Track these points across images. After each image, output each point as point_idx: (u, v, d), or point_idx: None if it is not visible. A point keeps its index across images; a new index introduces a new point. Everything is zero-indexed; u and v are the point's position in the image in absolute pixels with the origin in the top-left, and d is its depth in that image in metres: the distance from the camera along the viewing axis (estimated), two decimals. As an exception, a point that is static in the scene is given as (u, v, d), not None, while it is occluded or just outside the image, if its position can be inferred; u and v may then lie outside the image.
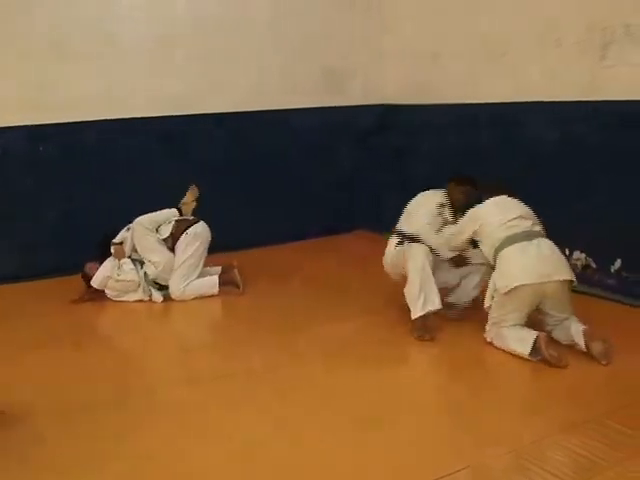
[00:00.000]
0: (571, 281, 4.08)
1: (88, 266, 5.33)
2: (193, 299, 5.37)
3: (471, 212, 4.42)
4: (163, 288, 5.41)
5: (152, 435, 3.28)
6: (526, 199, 5.51)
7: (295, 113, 6.85)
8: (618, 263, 5.00)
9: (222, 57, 6.49)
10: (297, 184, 6.94)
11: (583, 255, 5.26)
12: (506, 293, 4.01)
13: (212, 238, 5.59)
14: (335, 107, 7.09)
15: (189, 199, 5.59)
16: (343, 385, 3.77)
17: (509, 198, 4.40)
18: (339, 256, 5.40)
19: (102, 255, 5.34)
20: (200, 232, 5.44)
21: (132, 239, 5.37)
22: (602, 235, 5.04)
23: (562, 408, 3.39)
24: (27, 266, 5.80)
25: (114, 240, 5.34)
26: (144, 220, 5.37)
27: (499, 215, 4.26)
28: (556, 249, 4.18)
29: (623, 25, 4.73)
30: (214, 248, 5.85)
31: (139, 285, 5.31)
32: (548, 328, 4.16)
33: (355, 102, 7.21)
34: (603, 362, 3.87)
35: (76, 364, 4.18)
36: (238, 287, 5.50)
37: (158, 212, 5.47)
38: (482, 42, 5.90)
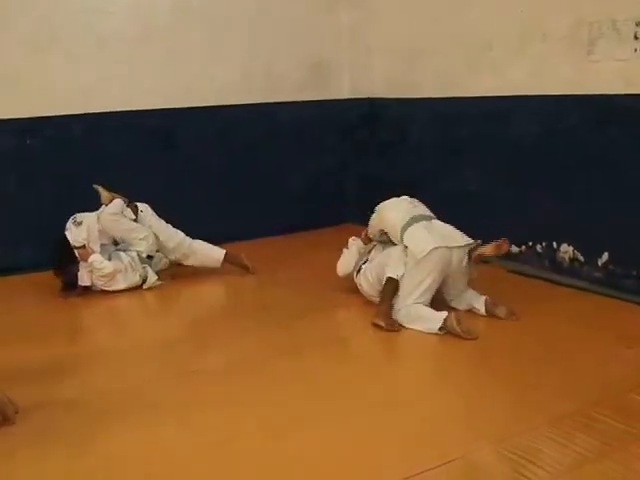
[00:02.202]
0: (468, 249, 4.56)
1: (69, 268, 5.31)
2: (183, 290, 5.54)
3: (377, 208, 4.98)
4: (151, 260, 5.51)
5: (129, 432, 3.25)
6: (512, 193, 5.58)
7: (282, 106, 6.84)
8: (605, 256, 5.03)
9: (208, 50, 6.47)
10: (283, 177, 6.94)
11: (571, 248, 5.29)
12: (423, 257, 4.39)
13: (201, 232, 5.72)
14: (322, 101, 7.09)
15: (106, 192, 5.49)
16: (326, 379, 3.78)
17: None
18: (326, 249, 5.42)
19: (67, 264, 5.27)
20: (146, 206, 5.64)
21: (97, 233, 5.31)
22: (589, 228, 5.07)
23: (548, 400, 3.40)
24: (7, 260, 5.79)
25: (75, 245, 5.22)
26: (110, 210, 5.38)
27: (395, 201, 4.92)
28: (451, 227, 4.67)
29: (610, 20, 4.75)
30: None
31: (125, 269, 5.30)
32: (449, 298, 4.67)
33: (342, 96, 7.21)
34: (513, 318, 4.45)
35: (54, 359, 4.14)
36: (247, 269, 5.75)
37: (110, 205, 5.43)
38: (469, 37, 5.89)
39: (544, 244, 5.50)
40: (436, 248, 4.41)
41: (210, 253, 5.72)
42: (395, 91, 6.80)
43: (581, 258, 5.23)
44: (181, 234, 5.63)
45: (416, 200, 4.95)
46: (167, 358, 4.23)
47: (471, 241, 4.58)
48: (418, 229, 4.57)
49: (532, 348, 4.06)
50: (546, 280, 5.29)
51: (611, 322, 4.44)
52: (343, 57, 7.15)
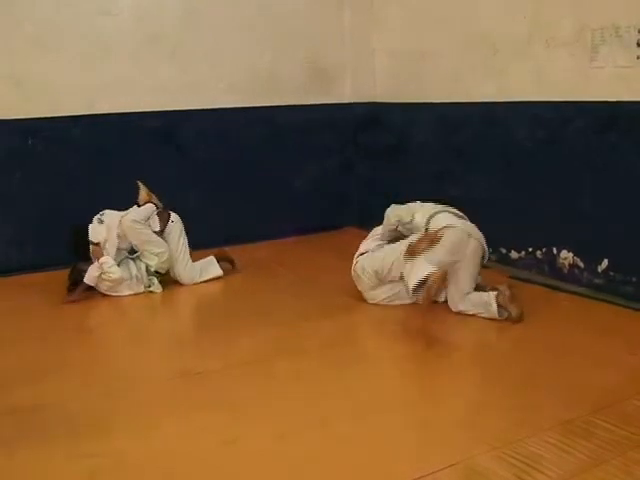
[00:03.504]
0: (482, 256, 4.78)
1: (77, 264, 5.30)
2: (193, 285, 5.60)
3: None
4: (160, 276, 5.48)
5: (131, 432, 3.25)
6: (513, 198, 5.59)
7: (284, 110, 6.85)
8: (605, 263, 5.04)
9: (211, 53, 6.49)
10: (285, 181, 6.94)
11: (570, 254, 5.29)
12: (440, 229, 4.57)
13: (203, 234, 5.76)
14: (324, 104, 7.09)
15: (145, 191, 5.52)
16: (329, 381, 3.78)
17: None
18: (328, 253, 5.44)
19: (80, 254, 5.27)
20: (179, 219, 5.60)
21: (116, 237, 5.28)
22: (589, 235, 5.08)
23: (550, 406, 3.41)
24: (9, 260, 5.80)
25: (92, 240, 5.23)
26: (135, 216, 5.35)
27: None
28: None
29: (613, 27, 4.77)
30: (204, 244, 5.89)
31: (131, 279, 5.30)
32: (455, 300, 4.67)
33: (344, 100, 7.22)
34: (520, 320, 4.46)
35: (55, 358, 4.16)
36: (232, 264, 5.83)
37: (138, 209, 5.43)
38: (472, 41, 5.91)
39: (544, 250, 5.50)
40: (453, 226, 4.61)
41: (210, 268, 5.74)
42: (398, 95, 6.81)
43: (581, 264, 5.23)
44: (192, 268, 5.64)
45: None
46: (170, 359, 4.24)
47: (485, 245, 4.76)
48: (442, 216, 4.76)
49: (533, 354, 4.07)
50: (546, 286, 5.29)
51: (611, 328, 4.44)
52: (346, 61, 7.16)
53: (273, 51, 6.76)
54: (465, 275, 4.66)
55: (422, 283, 4.31)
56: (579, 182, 5.15)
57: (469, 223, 4.83)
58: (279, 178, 6.89)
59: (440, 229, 4.60)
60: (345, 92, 7.21)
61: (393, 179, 6.80)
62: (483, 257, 4.80)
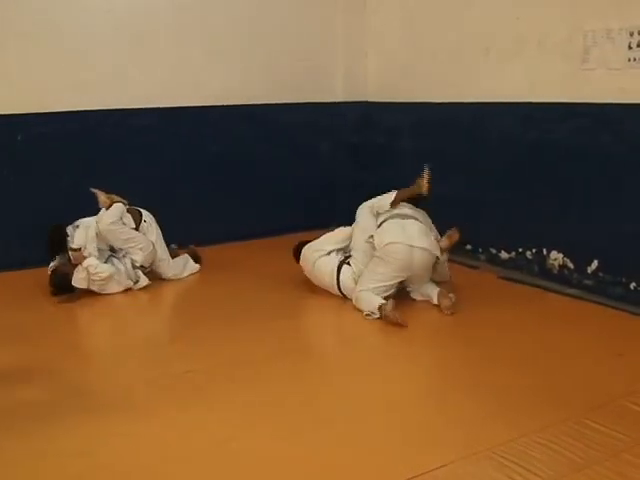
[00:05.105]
0: (437, 257, 4.79)
1: (57, 268, 5.25)
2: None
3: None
4: (145, 270, 5.46)
5: (119, 432, 3.23)
6: (504, 199, 5.61)
7: (276, 109, 6.82)
8: (595, 264, 5.06)
9: (204, 52, 6.44)
10: (277, 180, 6.92)
11: (560, 255, 5.31)
12: (382, 249, 4.66)
13: (192, 233, 5.83)
14: (316, 103, 7.07)
15: (103, 195, 5.38)
16: (320, 382, 3.79)
17: None
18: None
19: (56, 253, 5.26)
20: (151, 216, 5.59)
21: (94, 235, 5.23)
22: (579, 236, 5.10)
23: (540, 407, 3.42)
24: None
25: (70, 247, 5.14)
26: (110, 218, 5.28)
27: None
28: (426, 230, 4.82)
29: (604, 30, 4.79)
30: (195, 243, 5.90)
31: (119, 274, 5.25)
32: (408, 289, 4.95)
33: (336, 99, 7.20)
34: (447, 312, 4.66)
35: (44, 358, 4.13)
36: (199, 260, 5.89)
37: (109, 211, 5.31)
38: (464, 41, 5.93)
39: (534, 251, 5.52)
40: (395, 242, 4.63)
41: (189, 264, 5.81)
42: (389, 95, 6.81)
43: (571, 265, 5.25)
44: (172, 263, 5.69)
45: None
46: (157, 359, 4.20)
47: (436, 250, 4.74)
48: (388, 226, 4.82)
49: (523, 355, 4.07)
50: (535, 287, 5.31)
51: (601, 329, 4.47)
52: (338, 61, 7.14)
53: (267, 50, 6.72)
54: (419, 279, 4.85)
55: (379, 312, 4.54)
56: (569, 183, 5.17)
57: (412, 224, 4.82)
58: (271, 176, 6.87)
59: (384, 245, 4.69)
60: (337, 92, 7.18)
61: (384, 178, 6.76)
62: (437, 261, 4.83)
